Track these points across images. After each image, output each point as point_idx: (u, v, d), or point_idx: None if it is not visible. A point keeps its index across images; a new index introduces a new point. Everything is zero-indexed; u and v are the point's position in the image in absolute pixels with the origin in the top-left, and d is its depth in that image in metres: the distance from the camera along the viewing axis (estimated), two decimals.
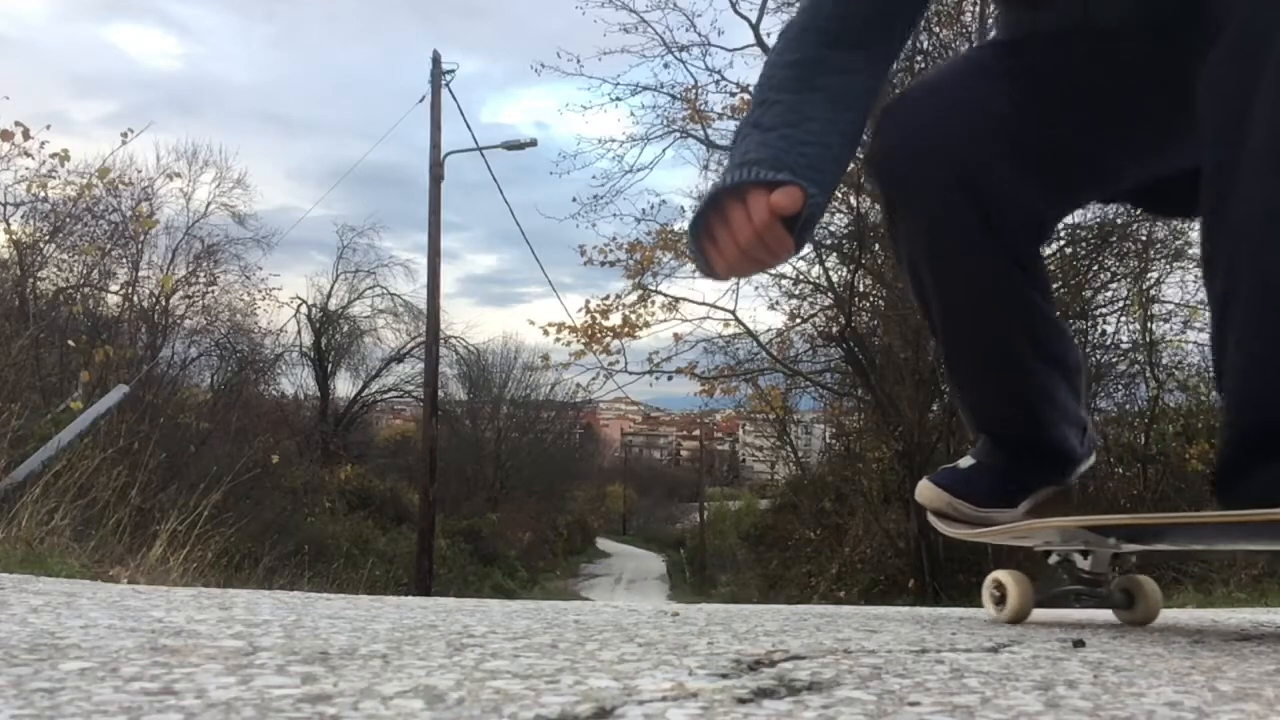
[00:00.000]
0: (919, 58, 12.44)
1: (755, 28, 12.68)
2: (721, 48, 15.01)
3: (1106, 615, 1.50)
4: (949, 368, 1.55)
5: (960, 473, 1.53)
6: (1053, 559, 1.46)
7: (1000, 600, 1.42)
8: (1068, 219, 12.17)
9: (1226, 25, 1.13)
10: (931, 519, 1.53)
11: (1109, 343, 11.28)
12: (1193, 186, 1.24)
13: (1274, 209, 1.09)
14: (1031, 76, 1.35)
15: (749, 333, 13.50)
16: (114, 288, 11.68)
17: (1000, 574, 1.43)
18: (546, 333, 13.48)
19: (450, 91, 14.81)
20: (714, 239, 1.23)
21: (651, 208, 13.80)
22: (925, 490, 1.52)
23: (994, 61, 1.44)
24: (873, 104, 1.34)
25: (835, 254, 13.06)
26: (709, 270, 1.27)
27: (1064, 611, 1.53)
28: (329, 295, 26.66)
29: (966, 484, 1.50)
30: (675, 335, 13.42)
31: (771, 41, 1.50)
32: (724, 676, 0.76)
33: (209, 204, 18.17)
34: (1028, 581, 1.39)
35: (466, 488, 26.00)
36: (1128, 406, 10.76)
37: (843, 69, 1.30)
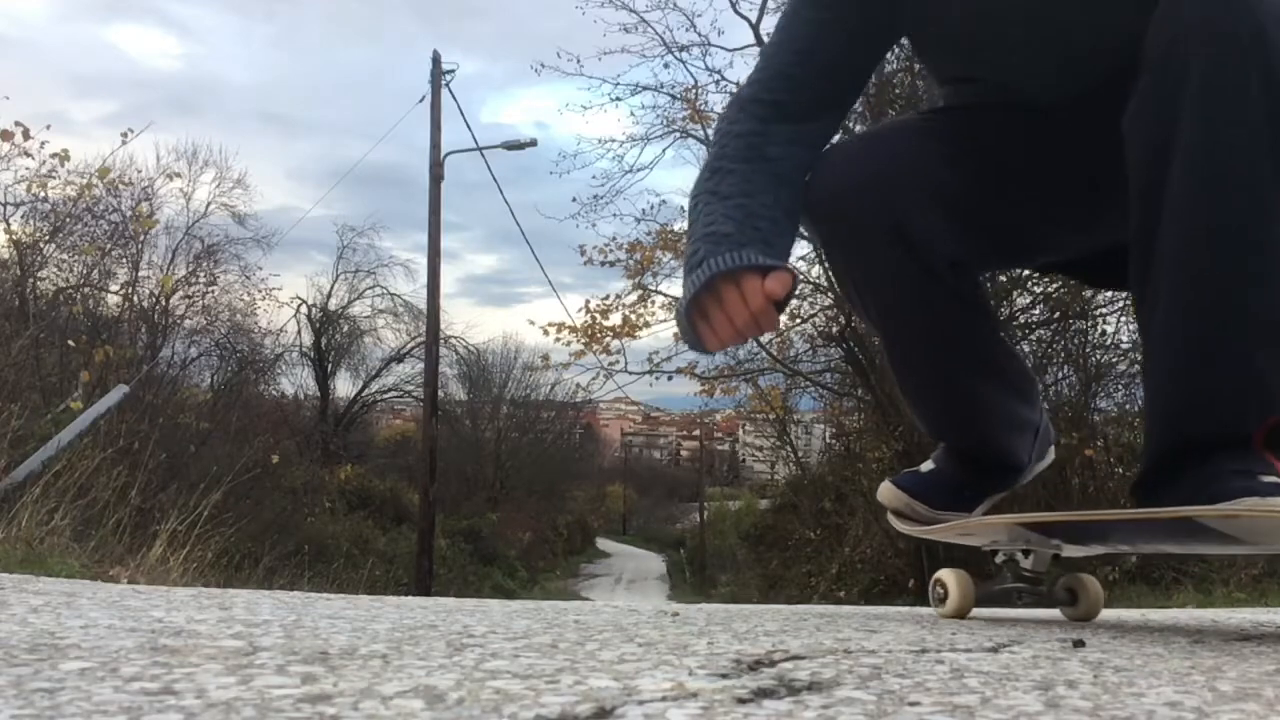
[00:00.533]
0: (919, 67, 12.43)
1: (755, 28, 12.66)
2: (721, 48, 15.00)
3: (1106, 615, 1.50)
4: (898, 384, 1.62)
5: (920, 476, 1.62)
6: (999, 558, 1.54)
7: (943, 598, 1.50)
8: None
9: (1141, 73, 1.20)
10: (890, 517, 1.62)
11: (1109, 343, 11.27)
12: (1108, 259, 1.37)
13: (1193, 238, 1.17)
14: (961, 142, 1.42)
15: None
16: (114, 288, 11.69)
17: (943, 572, 1.51)
18: (546, 333, 13.47)
19: (450, 91, 14.82)
20: (706, 317, 1.29)
21: (651, 208, 13.78)
22: (886, 491, 1.61)
23: (925, 125, 1.51)
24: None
25: None
26: (700, 346, 1.33)
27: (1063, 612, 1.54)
28: (329, 295, 26.68)
29: (924, 487, 1.59)
30: (675, 335, 13.40)
31: None
32: (724, 676, 0.76)
33: (209, 204, 18.18)
34: (969, 579, 1.48)
35: (466, 488, 26.01)
36: (1128, 406, 10.74)
37: (787, 140, 1.39)
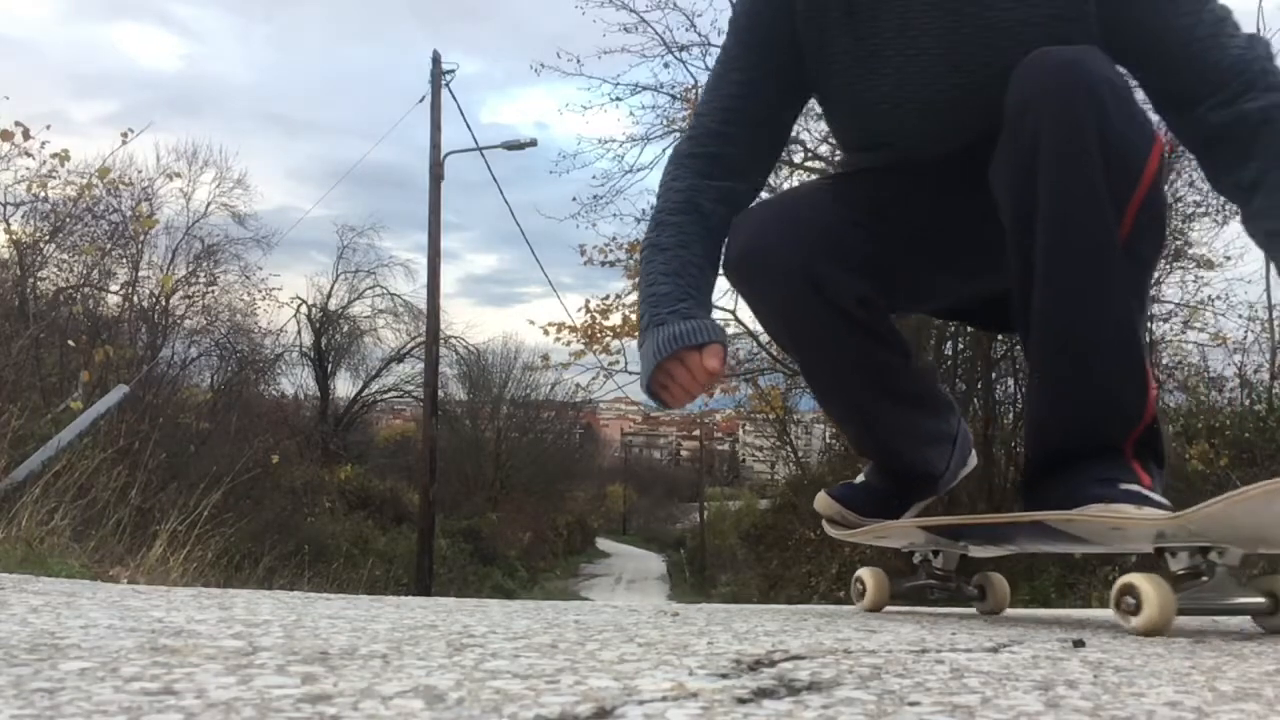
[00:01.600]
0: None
1: None
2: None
3: (1105, 615, 1.50)
4: (822, 408, 1.81)
5: (853, 487, 1.79)
6: (916, 558, 1.71)
7: (862, 593, 1.67)
8: None
9: (1002, 133, 1.38)
10: (824, 524, 1.80)
11: None
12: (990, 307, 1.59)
13: (1055, 295, 1.36)
14: (860, 206, 1.59)
15: (749, 333, 13.48)
16: (114, 288, 11.68)
17: (862, 570, 1.69)
18: (546, 333, 13.49)
19: (450, 91, 14.82)
20: (665, 386, 1.52)
21: (652, 208, 13.74)
22: (821, 500, 1.78)
23: (828, 191, 1.69)
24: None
25: None
26: (667, 406, 1.57)
27: (1063, 611, 1.54)
28: (329, 295, 26.64)
29: (854, 496, 1.76)
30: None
31: None
32: (724, 676, 0.76)
33: (209, 204, 18.15)
34: (884, 576, 1.66)
35: (466, 488, 25.99)
36: None
37: (718, 197, 1.59)
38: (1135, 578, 1.20)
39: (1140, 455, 1.40)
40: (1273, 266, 1.36)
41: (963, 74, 1.47)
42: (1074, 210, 1.32)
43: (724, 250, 1.60)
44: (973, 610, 1.73)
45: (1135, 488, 1.33)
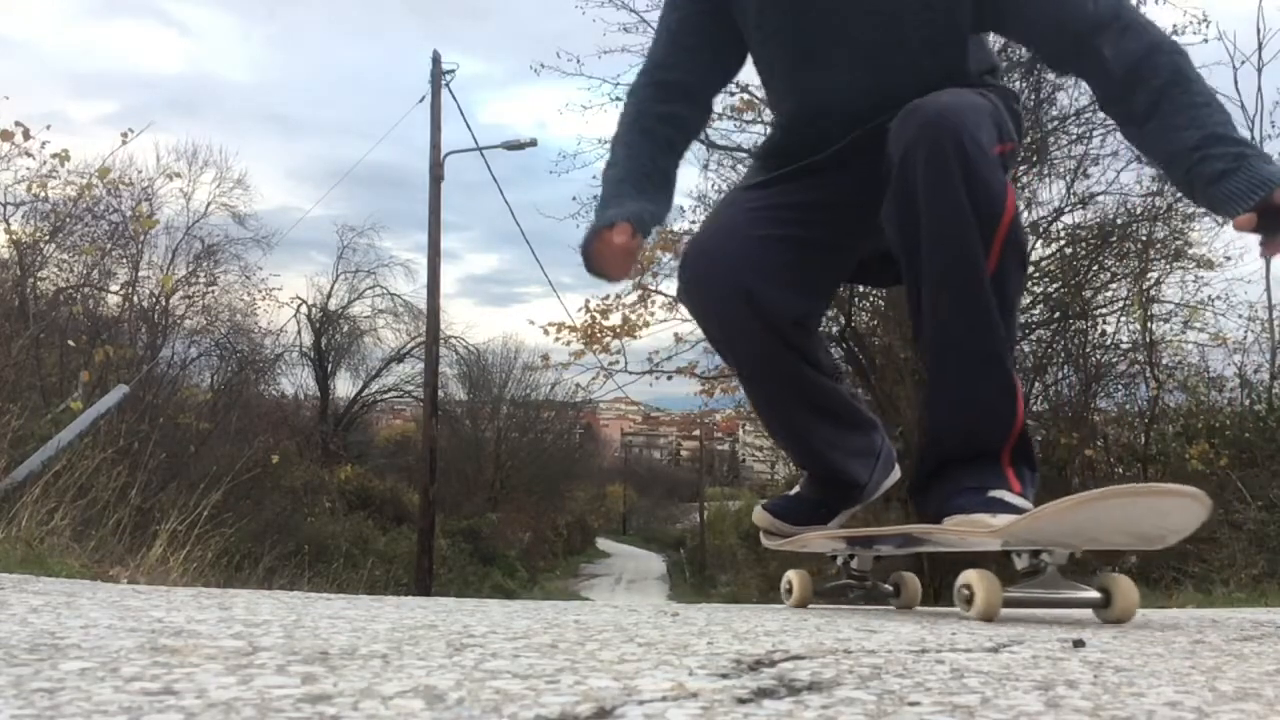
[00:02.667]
0: None
1: None
2: None
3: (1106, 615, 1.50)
4: (762, 423, 2.04)
5: (787, 499, 1.97)
6: (839, 560, 1.91)
7: (789, 591, 1.88)
8: (1067, 219, 12.20)
9: (890, 175, 1.58)
10: (761, 536, 1.96)
11: (1109, 343, 11.26)
12: (884, 262, 1.77)
13: (938, 311, 1.57)
14: (777, 219, 1.78)
15: None
16: (114, 288, 11.67)
17: (790, 573, 1.89)
18: (546, 332, 13.45)
19: (450, 91, 14.82)
20: (595, 263, 1.73)
21: None
22: (757, 513, 1.97)
23: (759, 200, 1.84)
24: (689, 143, 1.93)
25: None
26: (606, 279, 1.77)
27: (1063, 611, 1.54)
28: (329, 295, 26.63)
29: (787, 509, 1.94)
30: (675, 335, 13.38)
31: None
32: (724, 676, 0.76)
33: (209, 204, 18.14)
34: (808, 577, 1.87)
35: (466, 488, 25.97)
36: (1128, 406, 10.74)
37: (659, 117, 1.84)
38: (970, 574, 1.44)
39: (1015, 461, 1.60)
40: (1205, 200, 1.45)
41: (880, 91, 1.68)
42: (949, 249, 1.54)
43: (678, 275, 1.84)
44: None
45: (999, 493, 1.54)
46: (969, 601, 1.42)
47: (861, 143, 1.70)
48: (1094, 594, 1.43)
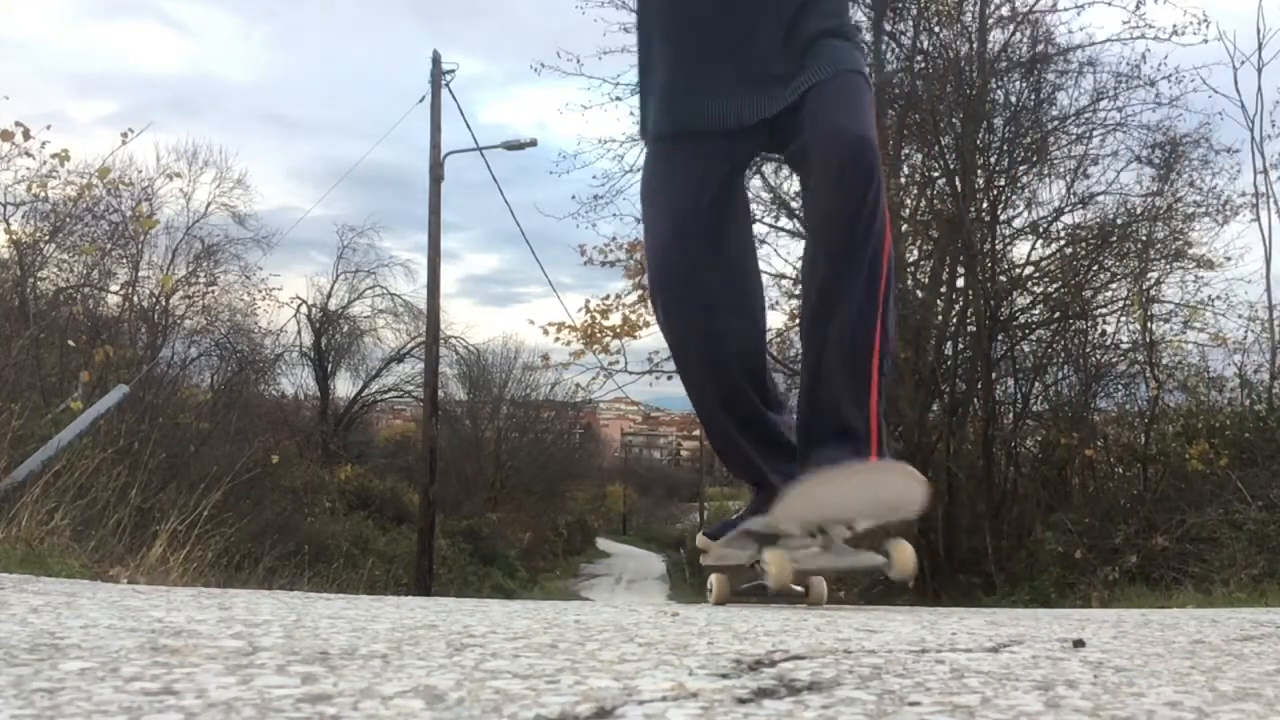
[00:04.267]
0: (919, 58, 12.44)
1: None
2: None
3: (1105, 615, 1.50)
4: (701, 426, 2.23)
5: (721, 523, 2.20)
6: (757, 566, 2.06)
7: (711, 591, 2.11)
8: (1067, 219, 12.19)
9: (810, 156, 1.85)
10: (700, 558, 2.19)
11: (1109, 343, 11.26)
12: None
13: (826, 292, 1.83)
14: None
15: None
16: (114, 288, 11.67)
17: (712, 576, 2.13)
18: (546, 332, 13.45)
19: (450, 91, 14.80)
20: None
21: None
22: (698, 538, 2.22)
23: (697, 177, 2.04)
24: None
25: None
26: None
27: (1063, 611, 1.54)
28: (329, 295, 26.63)
29: (715, 527, 2.18)
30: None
31: None
32: (724, 676, 0.76)
33: (209, 204, 18.16)
34: (726, 579, 2.11)
35: (466, 488, 25.96)
36: (1128, 406, 10.73)
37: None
38: (766, 551, 1.82)
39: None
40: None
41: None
42: (852, 212, 1.79)
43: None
44: (973, 610, 1.75)
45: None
46: (765, 574, 1.79)
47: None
48: (878, 558, 1.77)
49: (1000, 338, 11.59)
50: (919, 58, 12.40)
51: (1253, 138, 9.66)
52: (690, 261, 1.99)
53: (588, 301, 13.54)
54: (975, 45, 12.35)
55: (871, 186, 1.79)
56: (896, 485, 1.74)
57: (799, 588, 2.05)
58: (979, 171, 11.88)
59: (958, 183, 11.67)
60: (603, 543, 38.78)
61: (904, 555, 1.77)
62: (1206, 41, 10.62)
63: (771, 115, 1.91)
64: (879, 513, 1.79)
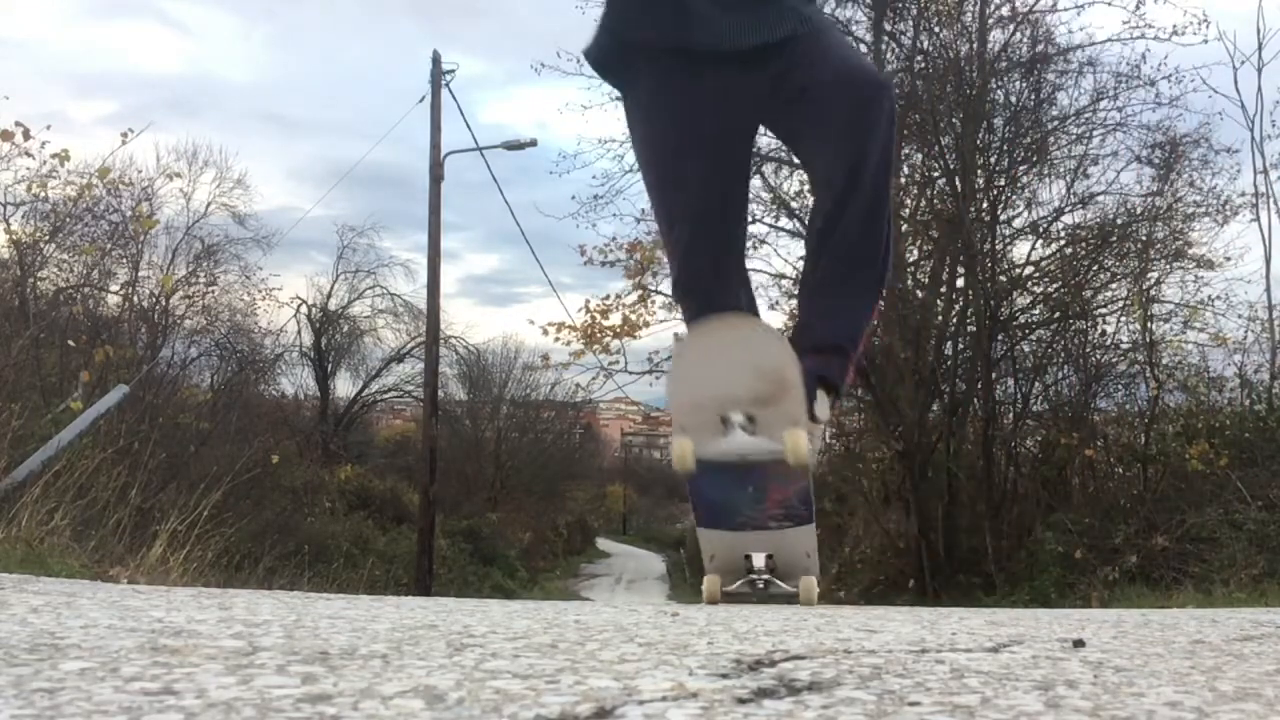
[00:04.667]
0: (919, 58, 12.44)
1: None
2: None
3: (1105, 615, 1.50)
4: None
5: None
6: (747, 563, 2.18)
7: (703, 591, 2.17)
8: (1067, 219, 12.20)
9: (824, 109, 1.93)
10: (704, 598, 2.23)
11: (1109, 343, 11.26)
12: None
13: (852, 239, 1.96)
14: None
15: None
16: (114, 288, 11.67)
17: (705, 577, 2.19)
18: (546, 332, 13.45)
19: (450, 91, 14.80)
20: None
21: (650, 207, 13.69)
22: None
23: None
24: None
25: None
26: None
27: (1063, 611, 1.54)
28: (329, 295, 26.61)
29: None
30: (675, 335, 13.36)
31: None
32: (724, 676, 0.76)
33: (209, 204, 18.13)
34: (718, 579, 2.17)
35: (466, 488, 25.96)
36: (1128, 406, 10.74)
37: None
38: (674, 439, 1.94)
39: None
40: None
41: None
42: (880, 184, 1.94)
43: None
44: (973, 610, 1.74)
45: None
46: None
47: None
48: (776, 445, 1.84)
49: (1000, 338, 11.58)
50: (919, 58, 12.40)
51: (1253, 138, 9.68)
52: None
53: (588, 301, 13.56)
54: (975, 45, 12.36)
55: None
56: (753, 340, 1.88)
57: (789, 586, 2.09)
58: (979, 171, 11.88)
59: (958, 183, 11.67)
60: (603, 543, 38.78)
61: (796, 440, 1.85)
62: (1206, 41, 10.64)
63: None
64: (750, 379, 1.87)
